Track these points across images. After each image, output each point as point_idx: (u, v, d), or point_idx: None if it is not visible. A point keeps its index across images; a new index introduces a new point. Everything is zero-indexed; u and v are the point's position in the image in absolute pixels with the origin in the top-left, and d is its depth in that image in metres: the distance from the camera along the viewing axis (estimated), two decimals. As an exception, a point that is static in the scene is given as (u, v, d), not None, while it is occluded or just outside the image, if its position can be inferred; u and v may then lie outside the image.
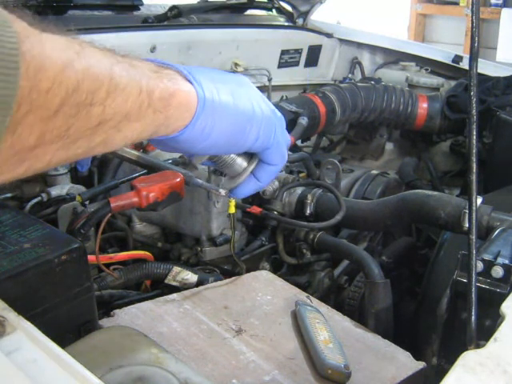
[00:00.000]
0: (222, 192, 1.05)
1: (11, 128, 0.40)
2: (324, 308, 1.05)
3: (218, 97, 0.61)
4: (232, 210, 0.96)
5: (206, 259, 1.30)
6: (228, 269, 1.28)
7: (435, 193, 1.23)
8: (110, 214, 1.06)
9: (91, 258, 1.00)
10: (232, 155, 0.73)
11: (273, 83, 2.10)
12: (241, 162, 0.73)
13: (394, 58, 2.39)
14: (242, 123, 0.64)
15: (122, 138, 0.53)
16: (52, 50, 0.43)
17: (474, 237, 0.72)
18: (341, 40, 2.42)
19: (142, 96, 0.52)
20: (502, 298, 0.70)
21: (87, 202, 1.18)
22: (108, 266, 1.12)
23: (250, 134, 0.66)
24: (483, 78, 1.96)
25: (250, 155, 0.74)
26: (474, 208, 0.73)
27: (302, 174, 1.57)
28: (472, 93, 0.74)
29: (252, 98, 0.66)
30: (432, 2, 4.92)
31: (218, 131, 0.62)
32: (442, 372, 0.58)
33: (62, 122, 0.44)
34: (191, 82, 0.60)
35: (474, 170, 0.73)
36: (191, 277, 1.13)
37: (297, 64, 2.27)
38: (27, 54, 0.40)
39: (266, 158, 0.72)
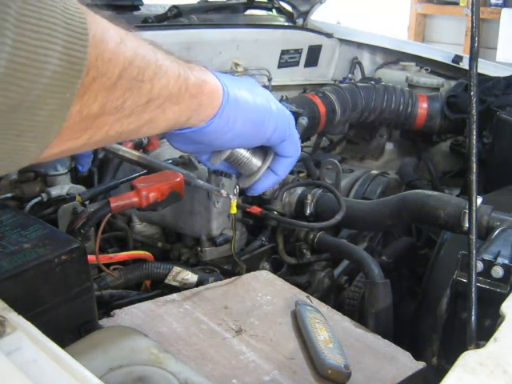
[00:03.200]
0: (224, 193, 1.05)
1: (81, 92, 0.44)
2: (324, 308, 1.04)
3: (238, 91, 0.66)
4: (233, 210, 0.96)
5: (206, 259, 1.30)
6: (228, 269, 1.28)
7: (435, 193, 1.23)
8: (110, 214, 1.06)
9: (91, 257, 1.00)
10: (247, 155, 0.76)
11: (273, 83, 2.10)
12: (256, 161, 0.77)
13: (394, 58, 2.39)
14: (261, 115, 0.69)
15: (164, 120, 0.57)
16: (109, 26, 0.48)
17: (474, 237, 0.72)
18: (341, 40, 2.42)
19: (180, 80, 0.57)
20: (502, 297, 0.70)
21: (87, 202, 1.18)
22: (108, 266, 1.12)
23: (269, 125, 0.70)
24: (483, 78, 1.96)
25: (263, 154, 0.77)
26: (474, 208, 0.73)
27: (302, 174, 1.57)
28: (472, 93, 0.74)
29: (266, 95, 0.71)
30: (432, 1, 4.92)
31: (241, 122, 0.66)
32: (442, 372, 0.58)
33: (119, 93, 0.48)
34: (215, 76, 0.64)
35: (474, 170, 0.73)
36: (191, 277, 1.13)
37: (297, 64, 2.27)
38: (92, 24, 0.44)
39: (282, 151, 0.75)
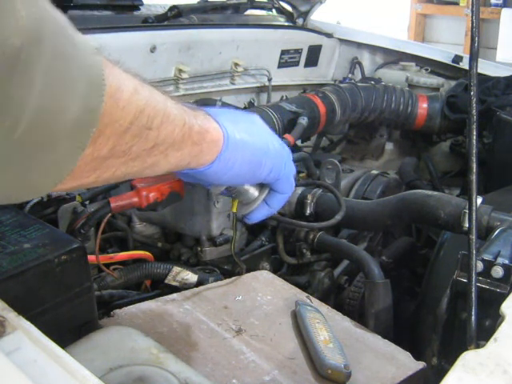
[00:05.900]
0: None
1: (95, 136, 0.47)
2: (324, 308, 1.04)
3: (238, 136, 0.70)
4: (235, 208, 0.96)
5: (206, 259, 1.30)
6: (228, 269, 1.28)
7: (435, 193, 1.22)
8: (110, 214, 1.06)
9: (91, 258, 1.00)
10: (246, 186, 0.82)
11: (273, 83, 2.10)
12: (253, 192, 0.83)
13: (394, 58, 2.39)
14: (258, 157, 0.73)
15: (166, 164, 0.61)
16: (124, 77, 0.52)
17: (474, 237, 0.72)
18: (341, 40, 2.41)
19: (185, 128, 0.61)
20: (502, 297, 0.70)
21: (87, 202, 1.18)
22: (108, 266, 1.11)
23: (265, 167, 0.75)
24: (483, 78, 1.96)
25: (260, 185, 0.83)
26: (473, 208, 0.73)
27: (301, 174, 1.57)
28: (472, 93, 0.74)
29: (265, 135, 0.76)
30: (432, 2, 4.92)
31: (239, 165, 0.71)
32: (442, 372, 0.58)
33: (128, 139, 0.52)
34: (218, 123, 0.68)
35: (474, 170, 0.73)
36: (191, 277, 1.13)
37: (297, 64, 2.27)
38: (109, 75, 0.48)
39: (277, 188, 0.81)
